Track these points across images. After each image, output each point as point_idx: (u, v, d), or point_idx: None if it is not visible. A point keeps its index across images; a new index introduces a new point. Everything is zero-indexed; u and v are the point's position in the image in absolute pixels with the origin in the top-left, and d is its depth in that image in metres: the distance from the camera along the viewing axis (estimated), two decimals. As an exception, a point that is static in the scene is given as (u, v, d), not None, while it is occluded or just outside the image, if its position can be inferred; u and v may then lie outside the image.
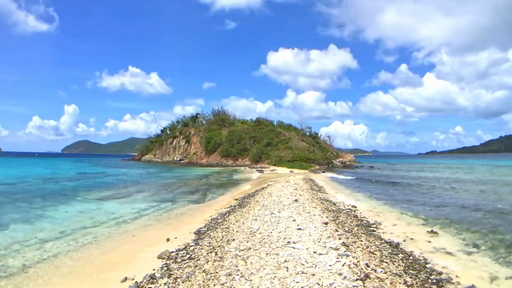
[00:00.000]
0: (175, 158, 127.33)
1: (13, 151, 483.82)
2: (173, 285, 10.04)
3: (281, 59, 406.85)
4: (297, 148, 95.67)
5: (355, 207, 22.87)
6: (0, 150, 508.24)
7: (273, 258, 10.25)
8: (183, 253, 13.44)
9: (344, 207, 22.60)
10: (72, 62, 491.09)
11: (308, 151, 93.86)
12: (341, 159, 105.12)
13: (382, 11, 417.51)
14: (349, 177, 55.18)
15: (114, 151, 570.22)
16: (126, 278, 11.19)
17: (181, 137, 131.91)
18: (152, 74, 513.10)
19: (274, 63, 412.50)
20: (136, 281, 10.82)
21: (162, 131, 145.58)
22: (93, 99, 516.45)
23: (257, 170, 75.16)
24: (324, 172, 69.20)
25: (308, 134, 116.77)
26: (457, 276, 10.16)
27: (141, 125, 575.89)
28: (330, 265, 8.93)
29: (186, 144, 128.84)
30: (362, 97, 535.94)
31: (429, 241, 14.42)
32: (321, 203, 22.77)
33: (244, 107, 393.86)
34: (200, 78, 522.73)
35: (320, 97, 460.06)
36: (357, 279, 7.99)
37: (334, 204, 23.14)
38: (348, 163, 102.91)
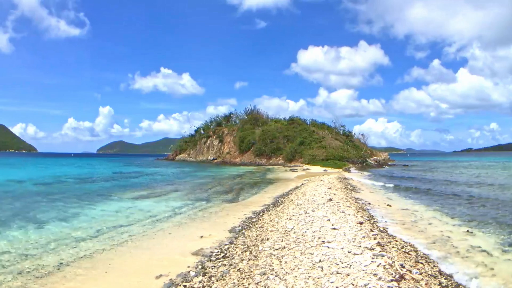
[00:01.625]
0: (208, 158, 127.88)
1: (49, 151, 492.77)
2: (208, 283, 10.09)
3: (311, 57, 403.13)
4: (331, 146, 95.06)
5: (390, 206, 22.64)
6: (36, 151, 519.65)
7: (308, 258, 10.20)
8: (218, 251, 13.52)
9: (379, 206, 22.39)
10: (105, 65, 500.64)
11: (342, 149, 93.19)
12: (375, 157, 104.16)
13: (410, 5, 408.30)
14: (383, 176, 54.65)
15: (148, 151, 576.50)
16: (161, 275, 11.31)
17: (215, 136, 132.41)
18: (184, 75, 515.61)
19: (304, 61, 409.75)
20: (171, 279, 10.93)
21: (195, 131, 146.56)
22: (127, 100, 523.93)
23: (290, 169, 74.98)
24: (358, 171, 68.62)
25: (341, 133, 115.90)
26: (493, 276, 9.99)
27: (174, 125, 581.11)
28: (365, 266, 8.83)
29: (220, 144, 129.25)
30: (395, 94, 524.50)
31: (466, 241, 14.17)
32: (355, 202, 22.63)
33: (277, 106, 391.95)
34: (232, 77, 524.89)
35: (352, 95, 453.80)
36: (392, 280, 7.88)
37: (369, 203, 22.95)
38: (383, 161, 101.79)
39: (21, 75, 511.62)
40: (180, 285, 10.31)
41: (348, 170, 68.91)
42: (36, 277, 11.82)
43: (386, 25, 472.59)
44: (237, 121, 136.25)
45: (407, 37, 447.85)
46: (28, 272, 12.25)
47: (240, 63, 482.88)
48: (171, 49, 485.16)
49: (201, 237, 16.11)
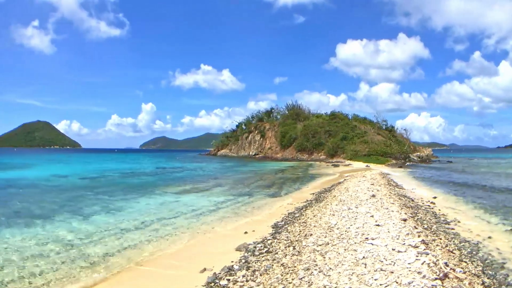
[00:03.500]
0: (250, 153, 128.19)
1: (93, 147, 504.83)
2: (251, 277, 10.22)
3: (350, 51, 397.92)
4: (373, 142, 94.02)
5: (434, 203, 22.33)
6: (80, 147, 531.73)
7: (351, 254, 10.17)
8: (261, 246, 13.62)
9: (423, 203, 22.09)
10: (146, 63, 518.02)
11: (385, 144, 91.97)
12: (418, 153, 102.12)
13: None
14: (427, 172, 53.86)
15: (191, 146, 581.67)
16: (205, 269, 11.54)
17: (256, 132, 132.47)
18: (224, 71, 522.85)
19: (343, 55, 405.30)
20: (215, 272, 11.12)
21: (237, 126, 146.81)
22: (169, 97, 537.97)
23: (332, 165, 74.72)
24: (401, 166, 67.65)
25: (384, 128, 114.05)
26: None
27: (216, 120, 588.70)
28: (409, 263, 8.73)
29: (261, 139, 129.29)
30: (437, 88, 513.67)
31: (509, 241, 13.91)
32: (399, 198, 22.38)
33: (317, 101, 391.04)
34: (272, 73, 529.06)
35: (394, 89, 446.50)
36: (436, 279, 7.78)
37: (412, 200, 22.67)
38: (426, 157, 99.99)
39: (64, 75, 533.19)
40: (223, 279, 10.45)
41: (391, 166, 68.13)
42: (82, 266, 12.24)
43: (424, 17, 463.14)
44: (278, 116, 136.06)
45: (445, 29, 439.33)
46: (73, 261, 12.71)
47: (279, 58, 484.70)
48: (210, 46, 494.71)
49: (245, 232, 16.25)
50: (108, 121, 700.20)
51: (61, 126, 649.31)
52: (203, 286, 10.21)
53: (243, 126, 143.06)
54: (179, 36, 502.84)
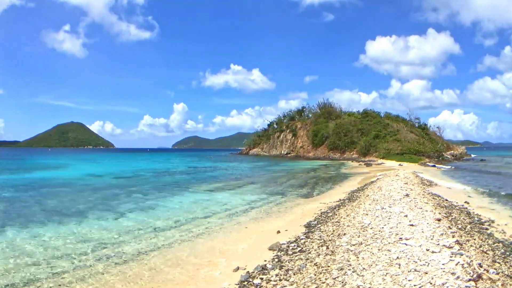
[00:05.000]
0: (282, 152, 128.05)
1: (125, 147, 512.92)
2: (285, 276, 10.29)
3: (380, 48, 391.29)
4: (406, 140, 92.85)
5: (468, 203, 22.00)
6: (114, 146, 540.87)
7: (385, 254, 10.18)
8: (294, 245, 13.66)
9: (457, 202, 21.80)
10: (176, 64, 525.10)
11: (418, 143, 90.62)
12: (452, 151, 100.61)
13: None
14: (460, 171, 53.05)
15: (222, 145, 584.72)
16: (238, 268, 11.67)
17: (288, 131, 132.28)
18: (253, 71, 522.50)
19: (373, 52, 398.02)
20: (248, 271, 11.23)
21: (268, 125, 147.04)
22: (200, 97, 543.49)
23: (365, 164, 74.19)
24: (434, 165, 66.71)
25: (417, 125, 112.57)
26: None
27: (247, 120, 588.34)
28: (443, 264, 8.67)
29: (293, 138, 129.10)
30: (469, 84, 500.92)
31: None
32: (433, 198, 22.18)
33: (348, 99, 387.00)
34: (302, 71, 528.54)
35: (425, 85, 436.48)
36: (469, 280, 7.72)
37: (446, 200, 22.40)
38: (459, 155, 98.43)
39: (97, 77, 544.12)
40: (257, 278, 10.56)
41: (424, 165, 67.16)
42: (116, 263, 12.54)
43: (452, 12, 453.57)
44: (310, 115, 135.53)
45: (474, 24, 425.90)
46: (108, 258, 13.02)
47: (308, 57, 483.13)
48: (239, 46, 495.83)
49: (278, 232, 16.29)
50: (141, 122, 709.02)
51: (95, 127, 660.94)
52: (236, 284, 10.33)
53: (275, 125, 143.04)
54: (208, 37, 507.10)
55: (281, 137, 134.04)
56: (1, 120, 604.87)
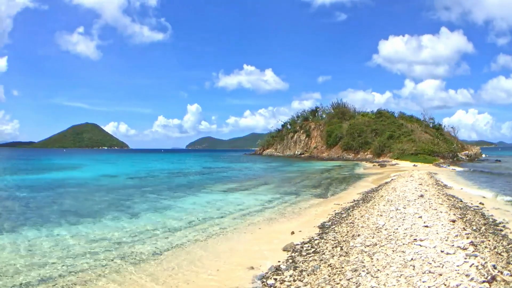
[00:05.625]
0: (295, 152, 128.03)
1: (140, 148, 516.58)
2: (299, 277, 10.36)
3: (392, 48, 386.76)
4: (420, 140, 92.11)
5: (482, 204, 21.82)
6: (128, 147, 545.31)
7: (400, 256, 10.18)
8: (308, 246, 13.72)
9: (471, 203, 21.66)
10: (189, 65, 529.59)
11: (432, 143, 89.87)
12: (466, 152, 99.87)
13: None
14: (475, 171, 52.53)
15: (236, 146, 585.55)
16: (252, 268, 11.76)
17: (302, 131, 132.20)
18: (266, 71, 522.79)
19: (386, 52, 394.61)
20: (262, 271, 11.34)
21: (282, 126, 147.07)
22: (213, 98, 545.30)
23: (379, 164, 73.87)
24: (449, 166, 66.26)
25: (431, 126, 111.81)
26: None
27: (260, 120, 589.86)
28: (457, 266, 8.63)
29: (307, 138, 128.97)
30: (483, 84, 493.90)
31: None
32: (448, 199, 22.06)
33: (362, 99, 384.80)
34: (315, 72, 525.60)
35: (439, 85, 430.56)
36: (483, 281, 7.67)
37: (461, 201, 22.26)
38: (474, 156, 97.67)
39: (111, 79, 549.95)
40: (271, 278, 10.64)
41: (439, 165, 66.75)
42: (131, 263, 12.67)
43: (464, 11, 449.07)
44: (324, 115, 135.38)
45: (486, 23, 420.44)
46: (123, 258, 13.15)
47: (321, 57, 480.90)
48: (252, 47, 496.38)
49: (292, 232, 16.32)
50: (155, 122, 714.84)
51: (109, 128, 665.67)
52: (250, 284, 10.43)
53: (288, 126, 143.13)
54: (220, 38, 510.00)
55: (295, 137, 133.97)
56: (17, 121, 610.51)
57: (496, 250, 11.26)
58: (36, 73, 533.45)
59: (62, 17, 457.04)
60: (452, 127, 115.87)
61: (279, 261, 12.22)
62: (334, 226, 16.82)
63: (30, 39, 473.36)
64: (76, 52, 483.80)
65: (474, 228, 14.42)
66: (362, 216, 17.78)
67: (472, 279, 7.81)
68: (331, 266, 10.67)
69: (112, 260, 12.91)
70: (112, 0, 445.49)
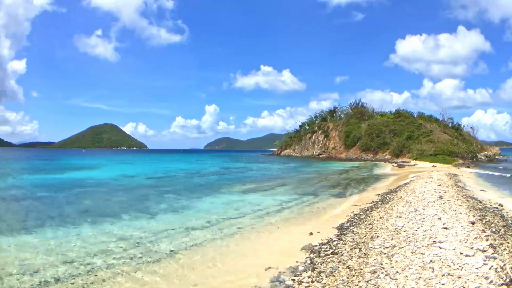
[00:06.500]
0: (314, 153, 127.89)
1: (158, 148, 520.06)
2: (317, 278, 10.34)
3: (410, 47, 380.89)
4: (439, 141, 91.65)
5: (502, 205, 21.63)
6: (146, 147, 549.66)
7: (419, 258, 10.13)
8: (326, 247, 13.71)
9: (491, 205, 21.46)
10: (207, 66, 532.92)
11: (451, 144, 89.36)
12: (486, 152, 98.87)
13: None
14: (495, 172, 51.98)
15: (254, 146, 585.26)
16: (270, 268, 11.78)
17: (320, 131, 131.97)
18: (284, 72, 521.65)
19: (403, 51, 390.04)
20: (280, 272, 11.36)
21: (300, 126, 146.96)
22: (231, 98, 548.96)
23: (397, 165, 73.36)
24: (468, 166, 65.66)
25: (450, 126, 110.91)
26: None
27: (278, 121, 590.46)
28: (476, 268, 8.60)
29: (325, 139, 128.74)
30: (502, 83, 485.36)
31: None
32: (467, 200, 21.87)
33: (380, 99, 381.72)
34: (332, 72, 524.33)
35: (458, 85, 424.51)
36: (502, 284, 7.59)
37: (480, 202, 22.06)
38: (493, 156, 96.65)
39: (129, 80, 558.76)
40: (289, 279, 10.66)
41: (458, 166, 66.16)
42: (148, 262, 12.78)
43: (480, 9, 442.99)
44: (342, 116, 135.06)
45: (503, 21, 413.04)
46: (140, 257, 13.29)
47: (338, 57, 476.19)
48: (269, 47, 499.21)
49: (310, 233, 16.33)
50: (173, 123, 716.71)
51: (128, 128, 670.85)
52: (267, 284, 10.47)
53: (306, 126, 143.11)
54: (237, 39, 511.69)
55: (313, 138, 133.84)
56: (36, 122, 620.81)
57: (515, 252, 11.19)
58: (55, 75, 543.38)
59: (80, 20, 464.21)
60: (471, 127, 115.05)
61: (297, 262, 12.23)
62: (352, 227, 16.80)
63: (48, 41, 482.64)
64: (95, 54, 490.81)
65: (493, 230, 14.31)
66: (381, 218, 17.73)
67: (491, 281, 7.77)
68: (349, 268, 10.65)
69: (131, 259, 13.07)
70: (130, 3, 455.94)
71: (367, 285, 9.02)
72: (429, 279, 8.47)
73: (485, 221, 15.86)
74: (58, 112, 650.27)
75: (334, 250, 13.14)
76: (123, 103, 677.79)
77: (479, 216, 16.88)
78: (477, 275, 8.20)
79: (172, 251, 14.09)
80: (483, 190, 29.49)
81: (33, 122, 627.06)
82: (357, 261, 11.19)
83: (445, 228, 13.53)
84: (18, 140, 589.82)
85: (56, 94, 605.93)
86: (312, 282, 10.12)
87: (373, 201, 24.73)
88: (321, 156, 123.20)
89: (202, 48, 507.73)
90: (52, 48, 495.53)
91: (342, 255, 12.30)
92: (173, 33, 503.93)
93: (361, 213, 20.53)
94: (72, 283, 10.72)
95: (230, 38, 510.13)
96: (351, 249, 12.87)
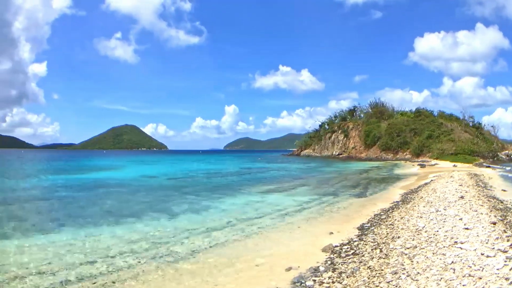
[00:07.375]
0: (333, 153, 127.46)
1: (178, 149, 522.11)
2: (338, 279, 10.37)
3: (428, 45, 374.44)
4: (460, 140, 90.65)
5: (524, 206, 21.53)
6: (167, 148, 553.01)
7: (440, 259, 10.12)
8: (347, 248, 13.77)
9: (512, 205, 21.39)
10: (226, 67, 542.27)
11: (472, 143, 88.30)
12: (507, 151, 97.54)
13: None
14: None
15: (274, 146, 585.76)
16: (290, 268, 11.83)
17: (340, 131, 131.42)
18: (302, 71, 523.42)
19: (421, 49, 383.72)
20: (301, 272, 11.41)
21: (320, 126, 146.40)
22: (250, 98, 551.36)
23: (418, 164, 72.85)
24: (489, 166, 64.94)
25: (471, 125, 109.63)
26: None
27: (297, 121, 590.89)
28: (497, 269, 8.52)
29: (345, 139, 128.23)
30: None
31: None
32: (488, 200, 21.69)
33: (400, 98, 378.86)
34: (351, 71, 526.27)
35: (478, 82, 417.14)
36: None
37: (501, 202, 21.81)
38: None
39: (149, 82, 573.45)
40: (309, 279, 10.69)
41: (479, 166, 65.51)
42: (169, 261, 12.94)
43: (498, 5, 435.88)
44: (362, 115, 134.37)
45: None
46: (161, 257, 13.47)
47: (357, 56, 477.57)
48: (287, 47, 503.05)
49: (330, 233, 16.39)
50: (193, 124, 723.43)
51: (148, 129, 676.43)
52: (288, 284, 10.53)
53: (326, 126, 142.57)
54: (255, 39, 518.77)
55: (333, 137, 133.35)
56: (57, 123, 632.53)
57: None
58: (76, 77, 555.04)
59: (100, 23, 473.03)
60: (492, 126, 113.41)
61: (317, 262, 12.28)
62: (373, 227, 16.84)
63: (68, 44, 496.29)
64: (115, 56, 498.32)
65: (516, 230, 14.26)
66: (401, 218, 17.73)
67: (511, 283, 7.79)
68: (370, 269, 10.69)
69: (152, 258, 13.25)
70: (148, 5, 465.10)
71: (388, 286, 9.05)
72: (450, 280, 8.45)
73: (507, 222, 15.74)
74: (79, 114, 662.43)
75: (355, 250, 13.20)
76: (143, 105, 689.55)
77: (501, 216, 16.75)
78: (498, 276, 8.16)
79: (193, 250, 14.26)
80: (505, 190, 29.20)
81: (54, 123, 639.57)
82: (378, 261, 11.23)
83: (466, 228, 13.49)
84: (40, 141, 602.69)
85: (77, 96, 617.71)
86: (333, 282, 10.15)
87: (394, 202, 24.74)
88: (341, 156, 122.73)
89: (221, 49, 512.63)
90: (72, 51, 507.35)
91: (363, 255, 12.34)
92: (192, 34, 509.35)
93: (382, 213, 20.54)
94: (94, 283, 10.89)
95: (248, 38, 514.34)
96: (372, 249, 12.90)
